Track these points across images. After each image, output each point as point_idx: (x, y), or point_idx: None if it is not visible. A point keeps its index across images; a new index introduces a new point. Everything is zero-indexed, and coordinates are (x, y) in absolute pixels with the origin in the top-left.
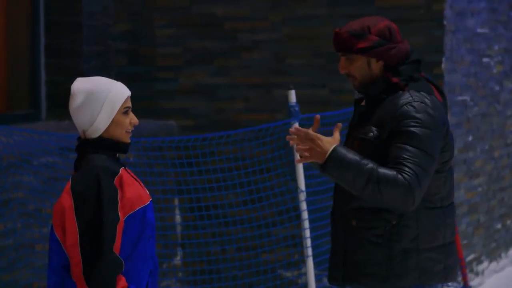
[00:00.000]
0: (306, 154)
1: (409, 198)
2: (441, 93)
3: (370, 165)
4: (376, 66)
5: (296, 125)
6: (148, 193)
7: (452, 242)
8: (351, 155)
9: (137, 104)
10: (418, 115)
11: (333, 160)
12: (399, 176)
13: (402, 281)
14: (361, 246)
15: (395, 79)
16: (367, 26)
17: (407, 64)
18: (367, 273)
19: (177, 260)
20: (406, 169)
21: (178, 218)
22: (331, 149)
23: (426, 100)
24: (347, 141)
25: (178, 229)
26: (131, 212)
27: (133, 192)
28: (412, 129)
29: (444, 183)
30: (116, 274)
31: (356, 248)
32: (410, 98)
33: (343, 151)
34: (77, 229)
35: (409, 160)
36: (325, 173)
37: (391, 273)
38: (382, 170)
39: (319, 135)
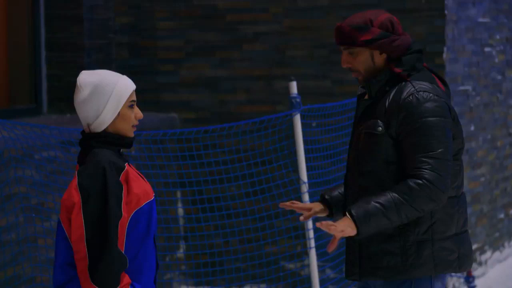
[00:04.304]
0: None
1: (438, 194)
2: (443, 83)
3: (387, 196)
4: (380, 58)
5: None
6: (151, 187)
7: (465, 231)
8: (366, 204)
9: (139, 97)
10: (423, 106)
11: (360, 223)
12: (418, 181)
13: (417, 271)
14: (376, 239)
15: (397, 69)
16: (369, 19)
17: (409, 54)
18: (383, 266)
19: (180, 253)
20: (425, 166)
21: (180, 211)
22: (349, 217)
23: (429, 89)
24: (352, 137)
25: (181, 222)
26: (138, 208)
27: (139, 187)
28: (420, 121)
29: (459, 171)
30: (121, 271)
31: (371, 241)
32: (413, 88)
33: (359, 208)
34: (83, 224)
35: (424, 156)
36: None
37: (406, 264)
38: (398, 189)
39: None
